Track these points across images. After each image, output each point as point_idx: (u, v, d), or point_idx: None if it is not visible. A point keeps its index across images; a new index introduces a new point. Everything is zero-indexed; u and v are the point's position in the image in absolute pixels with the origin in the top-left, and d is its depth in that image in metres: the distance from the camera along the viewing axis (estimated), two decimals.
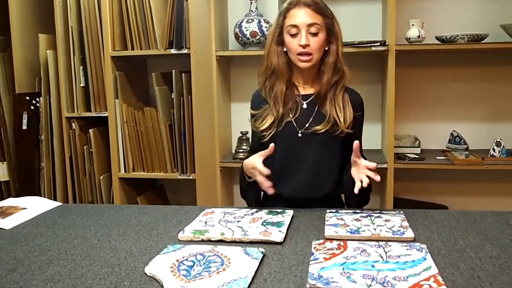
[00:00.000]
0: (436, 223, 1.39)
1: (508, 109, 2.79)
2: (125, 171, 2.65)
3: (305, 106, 1.68)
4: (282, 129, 1.66)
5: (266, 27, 2.71)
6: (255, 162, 1.55)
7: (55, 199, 2.68)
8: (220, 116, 2.79)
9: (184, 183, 2.71)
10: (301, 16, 1.61)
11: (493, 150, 2.60)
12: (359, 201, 1.61)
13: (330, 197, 1.68)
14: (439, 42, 2.59)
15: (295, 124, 1.66)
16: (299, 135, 1.65)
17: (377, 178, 1.42)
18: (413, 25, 2.58)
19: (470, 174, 2.79)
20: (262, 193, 1.73)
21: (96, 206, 1.75)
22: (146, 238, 1.36)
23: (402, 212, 1.47)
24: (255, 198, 1.71)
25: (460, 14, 2.74)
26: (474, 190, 2.85)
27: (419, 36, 2.56)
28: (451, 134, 2.82)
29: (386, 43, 2.52)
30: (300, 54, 1.62)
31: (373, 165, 1.44)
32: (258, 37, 2.70)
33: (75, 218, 1.59)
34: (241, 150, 2.82)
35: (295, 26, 1.62)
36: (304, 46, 1.61)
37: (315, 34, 1.61)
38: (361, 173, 1.46)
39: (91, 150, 2.66)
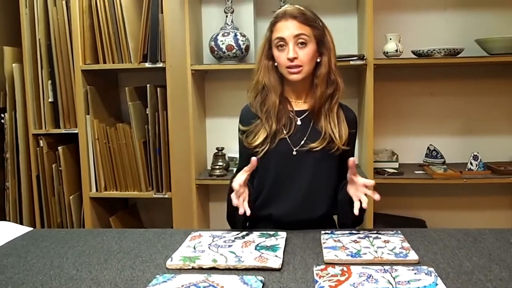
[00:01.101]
0: (436, 243, 1.34)
1: (483, 122, 2.81)
2: (97, 190, 2.52)
3: (299, 122, 1.61)
4: (276, 146, 1.58)
5: (242, 40, 2.65)
6: (237, 180, 1.46)
7: (21, 221, 2.52)
8: (196, 132, 2.70)
9: (157, 202, 2.60)
10: (288, 28, 1.55)
11: (471, 163, 2.60)
12: (354, 221, 1.55)
13: (323, 218, 1.61)
14: (415, 56, 2.59)
15: (289, 141, 1.59)
16: (294, 152, 1.58)
17: (376, 197, 1.37)
18: (390, 39, 2.58)
19: (447, 188, 2.79)
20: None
21: (71, 231, 1.62)
22: (131, 267, 1.26)
23: (399, 231, 1.42)
24: (242, 225, 1.61)
25: (435, 29, 2.76)
26: (451, 204, 2.85)
27: (396, 50, 2.56)
28: (428, 148, 2.82)
29: (365, 57, 2.50)
30: (289, 67, 1.56)
31: (371, 182, 1.38)
32: (234, 50, 2.63)
33: (49, 245, 1.46)
34: (217, 167, 2.73)
35: (281, 39, 1.56)
36: (292, 59, 1.55)
37: (303, 46, 1.55)
38: (359, 192, 1.40)
39: (60, 168, 2.52)
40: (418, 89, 2.82)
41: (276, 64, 1.61)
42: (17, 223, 2.46)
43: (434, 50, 2.51)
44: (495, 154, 2.78)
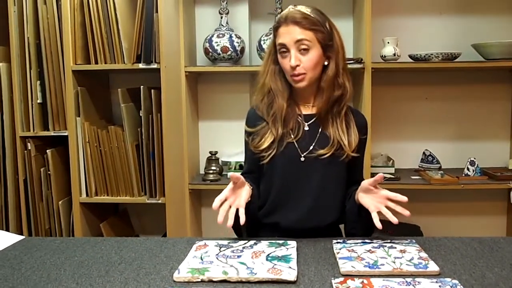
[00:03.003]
0: (453, 252, 1.30)
1: (479, 128, 2.80)
2: (87, 195, 2.43)
3: (307, 128, 1.56)
4: (284, 150, 1.52)
5: (237, 42, 2.59)
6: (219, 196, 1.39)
7: (7, 227, 2.43)
8: (189, 135, 2.64)
9: (148, 207, 2.53)
10: (289, 34, 1.48)
11: (467, 169, 2.58)
12: (365, 231, 1.50)
13: (330, 227, 1.56)
14: (412, 60, 2.56)
15: (297, 146, 1.53)
16: (302, 159, 1.52)
17: (406, 213, 1.32)
18: (388, 42, 2.55)
19: (443, 193, 2.77)
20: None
21: (66, 239, 1.54)
22: (135, 280, 1.18)
23: (414, 240, 1.37)
24: (247, 233, 1.54)
25: (431, 33, 2.74)
26: (447, 210, 2.83)
27: (394, 54, 2.53)
28: (424, 153, 2.80)
29: (362, 61, 2.46)
30: (293, 75, 1.50)
31: (396, 196, 1.33)
32: (229, 52, 2.57)
33: (43, 255, 1.38)
34: (210, 171, 2.66)
35: (283, 45, 1.50)
36: (294, 67, 1.49)
37: (306, 52, 1.48)
38: (381, 203, 1.35)
39: (49, 172, 2.42)
40: (414, 93, 2.80)
41: None
42: (2, 229, 2.37)
43: (432, 54, 2.49)
44: (490, 159, 2.77)
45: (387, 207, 1.35)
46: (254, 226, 1.57)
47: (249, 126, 1.60)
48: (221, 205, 1.39)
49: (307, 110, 1.59)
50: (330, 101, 1.52)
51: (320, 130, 1.55)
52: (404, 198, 1.34)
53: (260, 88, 1.59)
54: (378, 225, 1.33)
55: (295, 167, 1.52)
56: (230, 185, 1.41)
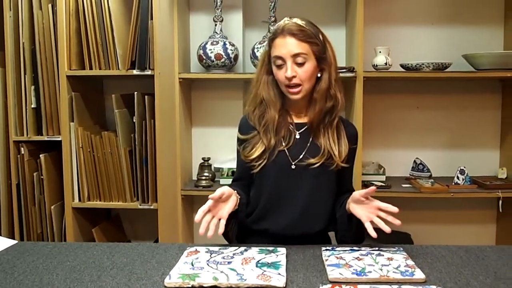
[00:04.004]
0: (439, 260, 1.33)
1: (469, 137, 2.83)
2: (80, 200, 2.43)
3: (298, 136, 1.58)
4: (275, 158, 1.54)
5: (231, 49, 2.62)
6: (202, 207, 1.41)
7: None
8: (182, 141, 2.65)
9: (140, 213, 2.54)
10: (286, 46, 1.50)
11: (457, 178, 2.61)
12: (355, 240, 1.52)
13: (319, 234, 1.58)
14: (403, 70, 2.59)
15: (288, 154, 1.56)
16: (293, 167, 1.54)
17: (397, 222, 1.35)
18: (380, 52, 2.58)
19: (433, 201, 2.80)
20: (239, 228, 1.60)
21: (59, 244, 1.55)
22: (126, 285, 1.20)
23: (402, 248, 1.40)
24: (236, 238, 1.57)
25: (422, 43, 2.78)
26: (437, 218, 2.86)
27: (386, 63, 2.56)
28: (414, 161, 2.82)
29: (354, 70, 2.49)
30: (288, 86, 1.53)
31: (387, 206, 1.36)
32: (223, 59, 2.59)
33: (36, 260, 1.39)
34: (203, 177, 2.68)
35: (279, 57, 1.52)
36: (290, 79, 1.51)
37: (302, 64, 1.51)
38: (372, 214, 1.38)
39: (42, 177, 2.43)
40: (405, 102, 2.83)
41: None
42: None
43: (423, 64, 2.52)
44: (480, 168, 2.80)
45: (379, 217, 1.37)
46: (242, 233, 1.59)
47: (241, 134, 1.63)
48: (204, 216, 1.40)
49: (298, 119, 1.62)
50: (322, 112, 1.55)
51: (311, 139, 1.57)
52: (395, 209, 1.36)
53: (253, 98, 1.61)
54: (373, 234, 1.36)
55: (285, 175, 1.55)
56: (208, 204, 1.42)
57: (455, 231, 2.86)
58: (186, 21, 2.77)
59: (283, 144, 1.56)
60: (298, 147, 1.56)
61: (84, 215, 2.51)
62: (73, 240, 2.41)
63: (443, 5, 2.77)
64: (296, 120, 1.61)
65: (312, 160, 1.53)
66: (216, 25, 2.66)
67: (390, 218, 1.37)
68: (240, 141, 1.63)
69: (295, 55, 1.50)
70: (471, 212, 2.84)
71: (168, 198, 2.49)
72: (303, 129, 1.59)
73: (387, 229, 1.36)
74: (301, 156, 1.55)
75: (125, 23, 2.40)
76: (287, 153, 1.55)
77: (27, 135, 2.43)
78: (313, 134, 1.58)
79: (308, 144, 1.57)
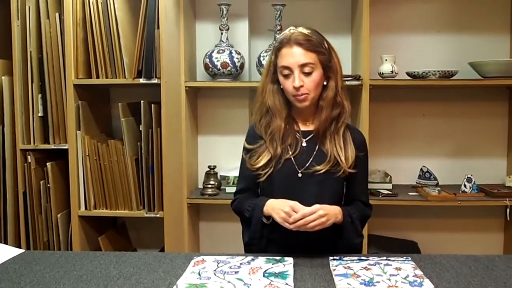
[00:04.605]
0: (448, 270, 1.32)
1: (476, 144, 2.82)
2: (86, 208, 2.44)
3: (304, 144, 1.58)
4: (281, 167, 1.54)
5: (237, 58, 2.62)
6: (290, 203, 1.44)
7: (5, 239, 2.43)
8: (188, 149, 2.65)
9: (146, 221, 2.53)
10: (293, 56, 1.51)
11: (464, 186, 2.60)
12: (355, 237, 1.53)
13: (327, 242, 1.57)
14: (409, 78, 2.59)
15: (294, 162, 1.56)
16: (299, 175, 1.54)
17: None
18: (386, 60, 2.58)
19: (440, 210, 2.78)
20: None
21: (66, 253, 1.55)
22: None
23: (410, 258, 1.39)
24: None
25: (428, 51, 2.77)
26: (444, 226, 2.84)
27: (392, 71, 2.56)
28: (421, 169, 2.81)
29: (360, 78, 2.49)
30: (296, 95, 1.53)
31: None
32: (229, 68, 2.60)
33: (43, 269, 1.39)
34: (209, 186, 2.68)
35: (287, 67, 1.53)
36: (298, 88, 1.52)
37: (309, 74, 1.52)
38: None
39: (48, 185, 2.43)
40: (412, 110, 2.82)
41: (281, 87, 1.58)
42: (1, 242, 2.37)
43: (429, 72, 2.52)
44: (487, 176, 2.78)
45: None
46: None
47: (248, 143, 1.63)
48: None
49: (305, 126, 1.62)
50: (329, 120, 1.55)
51: (317, 146, 1.57)
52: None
53: (259, 107, 1.62)
54: None
55: (292, 183, 1.54)
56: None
57: (462, 240, 2.84)
58: (192, 29, 2.78)
59: (290, 152, 1.56)
60: (305, 155, 1.56)
61: (90, 223, 2.52)
62: (79, 248, 2.42)
63: (449, 13, 2.76)
64: (302, 128, 1.61)
65: (318, 167, 1.53)
66: (222, 33, 2.67)
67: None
68: (246, 150, 1.63)
69: (302, 65, 1.51)
70: (479, 220, 2.82)
71: (174, 206, 2.49)
72: (309, 137, 1.60)
73: None
74: (307, 164, 1.55)
75: (132, 32, 2.41)
76: (294, 162, 1.55)
77: (34, 143, 2.44)
78: (320, 141, 1.58)
79: (315, 152, 1.57)
